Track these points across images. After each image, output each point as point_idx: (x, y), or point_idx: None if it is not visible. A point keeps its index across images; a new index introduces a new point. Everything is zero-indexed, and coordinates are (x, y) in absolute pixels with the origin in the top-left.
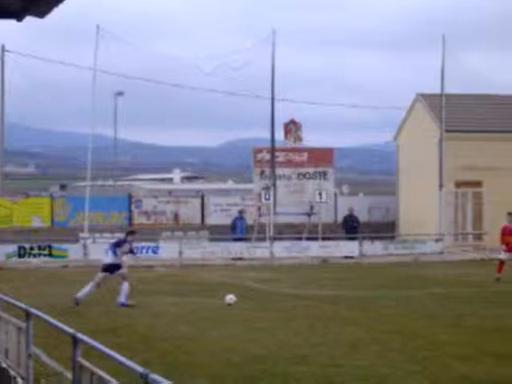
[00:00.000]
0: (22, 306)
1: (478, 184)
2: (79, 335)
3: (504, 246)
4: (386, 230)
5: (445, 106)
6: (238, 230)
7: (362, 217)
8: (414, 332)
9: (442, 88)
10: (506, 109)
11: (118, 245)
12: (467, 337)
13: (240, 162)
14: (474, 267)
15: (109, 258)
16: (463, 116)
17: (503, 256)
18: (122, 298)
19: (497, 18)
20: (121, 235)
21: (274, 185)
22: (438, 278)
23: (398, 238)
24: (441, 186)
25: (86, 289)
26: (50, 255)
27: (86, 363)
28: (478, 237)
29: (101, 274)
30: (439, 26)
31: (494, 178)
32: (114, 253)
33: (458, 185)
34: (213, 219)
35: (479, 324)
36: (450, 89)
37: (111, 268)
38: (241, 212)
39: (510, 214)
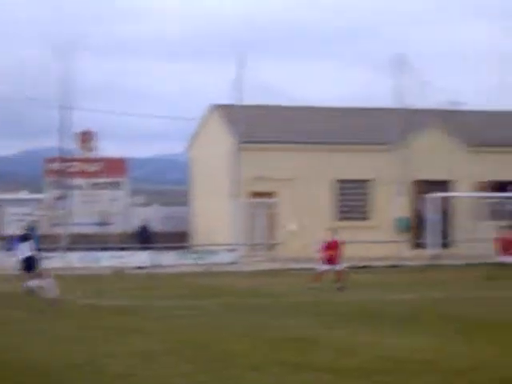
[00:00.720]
0: None
1: (272, 194)
2: None
3: (325, 260)
4: (180, 240)
5: (239, 117)
6: None
7: (157, 227)
8: (206, 342)
9: (237, 99)
10: (301, 120)
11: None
12: (258, 347)
13: (36, 172)
14: (266, 277)
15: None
16: (258, 127)
17: (324, 267)
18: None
19: (292, 30)
20: None
21: (67, 195)
22: (231, 288)
23: (192, 248)
24: (234, 196)
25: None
26: None
27: None
28: (272, 247)
29: (47, 269)
30: (238, 37)
31: (288, 188)
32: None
33: (252, 195)
34: (10, 229)
35: (270, 334)
36: (248, 100)
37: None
38: (32, 222)
39: (330, 229)
